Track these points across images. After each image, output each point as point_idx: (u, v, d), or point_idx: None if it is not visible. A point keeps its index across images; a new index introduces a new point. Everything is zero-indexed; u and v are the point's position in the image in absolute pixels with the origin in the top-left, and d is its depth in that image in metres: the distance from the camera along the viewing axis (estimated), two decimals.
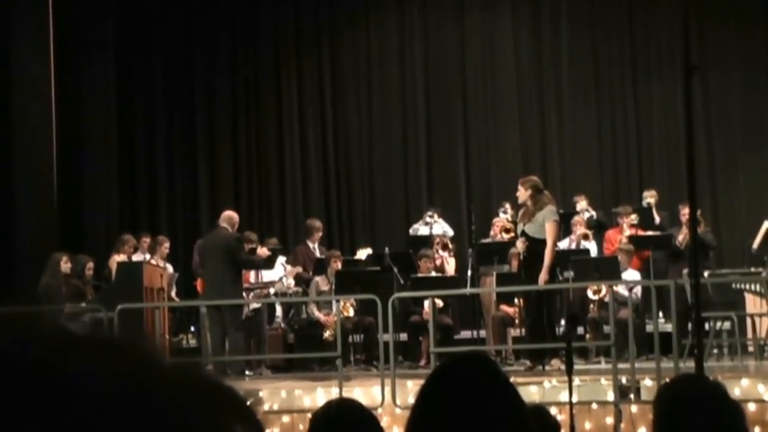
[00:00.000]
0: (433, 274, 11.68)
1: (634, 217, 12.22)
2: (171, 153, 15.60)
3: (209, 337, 11.12)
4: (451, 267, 12.18)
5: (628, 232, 12.00)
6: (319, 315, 11.66)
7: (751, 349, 10.95)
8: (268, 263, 11.55)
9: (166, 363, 0.64)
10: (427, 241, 12.49)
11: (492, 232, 12.27)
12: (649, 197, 12.90)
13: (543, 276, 9.79)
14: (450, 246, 12.43)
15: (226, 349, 10.64)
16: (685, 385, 2.84)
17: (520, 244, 10.07)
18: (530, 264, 9.94)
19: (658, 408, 2.68)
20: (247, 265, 11.28)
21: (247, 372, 10.74)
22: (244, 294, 11.38)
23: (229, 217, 11.14)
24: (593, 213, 13.08)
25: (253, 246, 11.45)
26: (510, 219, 12.22)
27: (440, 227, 12.93)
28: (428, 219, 13.00)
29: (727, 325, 11.05)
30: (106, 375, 0.60)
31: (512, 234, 11.32)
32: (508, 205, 12.50)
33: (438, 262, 11.98)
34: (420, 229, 13.15)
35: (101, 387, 0.59)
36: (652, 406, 2.71)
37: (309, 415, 7.87)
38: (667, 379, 3.11)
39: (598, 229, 12.62)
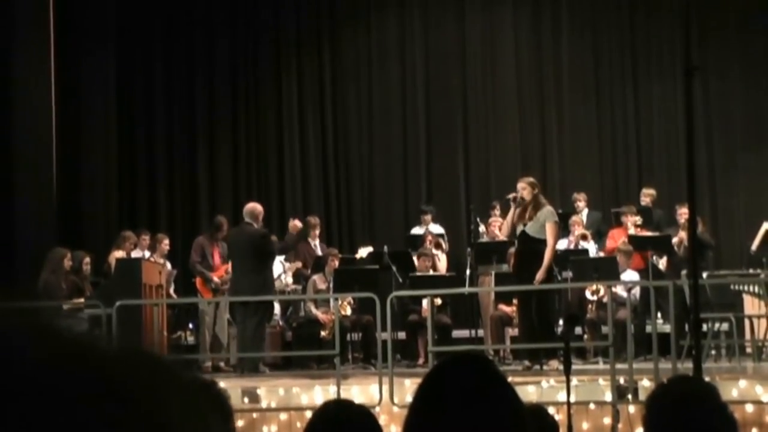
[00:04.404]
0: (431, 272, 11.70)
1: (638, 219, 12.17)
2: (170, 149, 15.59)
3: (232, 332, 11.30)
4: (442, 264, 12.19)
5: (632, 230, 11.97)
6: (316, 313, 11.67)
7: (749, 350, 10.96)
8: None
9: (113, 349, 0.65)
10: (420, 239, 12.52)
11: (488, 231, 12.26)
12: (646, 196, 12.90)
13: (540, 275, 9.80)
14: (443, 244, 12.45)
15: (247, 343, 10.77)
16: (677, 386, 2.84)
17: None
18: (528, 264, 9.93)
19: (649, 408, 2.69)
20: (279, 253, 11.57)
21: (261, 368, 10.75)
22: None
23: (252, 210, 11.17)
24: (596, 213, 13.11)
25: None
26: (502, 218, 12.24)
27: (433, 228, 13.00)
28: (423, 220, 13.14)
29: (725, 326, 11.05)
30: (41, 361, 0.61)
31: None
32: (498, 207, 12.49)
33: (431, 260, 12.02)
34: (416, 229, 13.22)
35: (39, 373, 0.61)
36: (644, 406, 2.71)
37: (307, 413, 7.87)
38: (665, 380, 3.12)
39: (598, 235, 12.59)
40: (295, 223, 11.54)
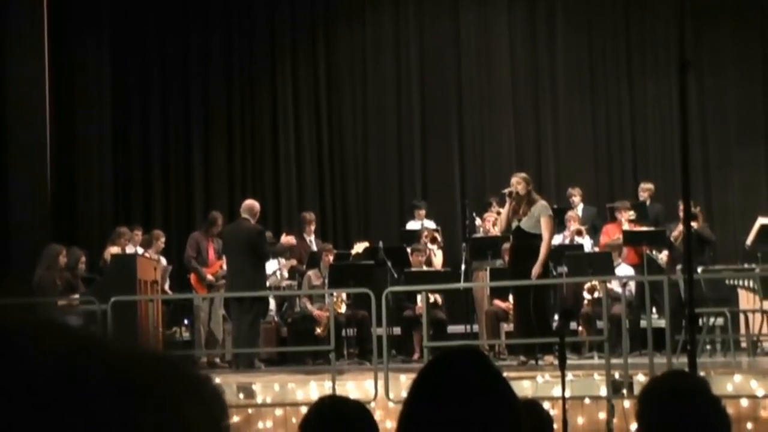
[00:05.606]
0: (424, 268, 11.69)
1: (632, 214, 12.16)
2: (166, 145, 15.58)
3: (227, 328, 11.30)
4: (438, 260, 12.19)
5: (626, 226, 11.96)
6: (311, 309, 11.66)
7: (743, 345, 10.96)
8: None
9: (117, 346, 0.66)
10: (417, 235, 12.52)
11: (483, 227, 12.26)
12: (644, 191, 12.89)
13: (537, 269, 9.80)
14: (438, 239, 12.44)
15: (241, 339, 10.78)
16: (668, 381, 2.84)
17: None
18: (523, 259, 9.93)
19: (641, 402, 2.69)
20: (270, 258, 11.56)
21: (256, 364, 10.75)
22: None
23: (250, 207, 11.18)
24: (591, 208, 13.11)
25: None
26: (498, 214, 12.23)
27: (427, 223, 13.03)
28: (417, 215, 13.18)
29: (720, 321, 11.06)
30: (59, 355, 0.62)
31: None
32: (495, 203, 12.49)
33: (426, 255, 12.01)
34: (412, 224, 13.24)
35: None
36: (637, 401, 2.71)
37: (302, 409, 7.86)
38: (657, 375, 3.12)
39: (593, 231, 12.59)
40: (289, 239, 11.67)
